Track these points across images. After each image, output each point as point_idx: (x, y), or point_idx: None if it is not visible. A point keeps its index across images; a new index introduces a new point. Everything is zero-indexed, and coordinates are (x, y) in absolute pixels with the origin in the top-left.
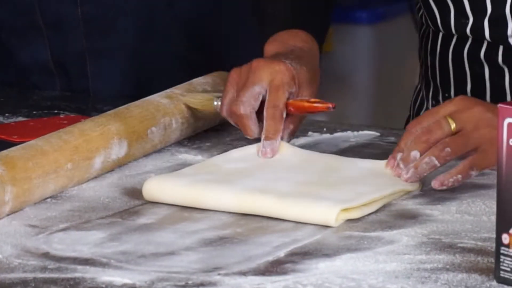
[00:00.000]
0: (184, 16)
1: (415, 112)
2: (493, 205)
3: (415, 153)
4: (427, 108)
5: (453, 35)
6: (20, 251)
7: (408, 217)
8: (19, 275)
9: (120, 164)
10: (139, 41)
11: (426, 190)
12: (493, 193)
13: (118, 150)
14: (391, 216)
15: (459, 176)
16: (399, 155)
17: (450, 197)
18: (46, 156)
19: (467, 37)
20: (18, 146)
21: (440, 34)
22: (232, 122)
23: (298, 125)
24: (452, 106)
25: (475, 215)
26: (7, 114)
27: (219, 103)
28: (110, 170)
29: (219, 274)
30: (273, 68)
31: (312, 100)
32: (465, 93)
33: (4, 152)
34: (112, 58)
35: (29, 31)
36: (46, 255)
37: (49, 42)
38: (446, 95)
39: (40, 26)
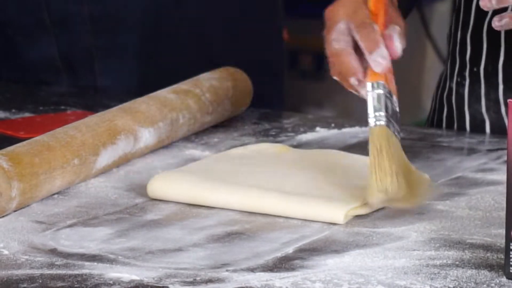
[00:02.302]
0: (192, 14)
1: (439, 97)
2: (502, 201)
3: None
4: (449, 88)
5: None
6: (27, 248)
7: (417, 213)
8: (26, 271)
9: (127, 159)
10: (146, 39)
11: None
12: (502, 188)
13: (125, 146)
14: (400, 212)
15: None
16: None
17: (460, 193)
18: (52, 152)
19: (506, 7)
20: (24, 142)
21: (474, 4)
22: (339, 78)
23: (400, 21)
24: None
25: (484, 211)
26: (13, 110)
27: None
28: (117, 166)
29: (227, 271)
30: (341, 1)
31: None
32: (496, 67)
33: (11, 148)
34: (119, 56)
35: (36, 28)
36: (53, 252)
37: (56, 40)
38: (475, 69)
39: (47, 23)
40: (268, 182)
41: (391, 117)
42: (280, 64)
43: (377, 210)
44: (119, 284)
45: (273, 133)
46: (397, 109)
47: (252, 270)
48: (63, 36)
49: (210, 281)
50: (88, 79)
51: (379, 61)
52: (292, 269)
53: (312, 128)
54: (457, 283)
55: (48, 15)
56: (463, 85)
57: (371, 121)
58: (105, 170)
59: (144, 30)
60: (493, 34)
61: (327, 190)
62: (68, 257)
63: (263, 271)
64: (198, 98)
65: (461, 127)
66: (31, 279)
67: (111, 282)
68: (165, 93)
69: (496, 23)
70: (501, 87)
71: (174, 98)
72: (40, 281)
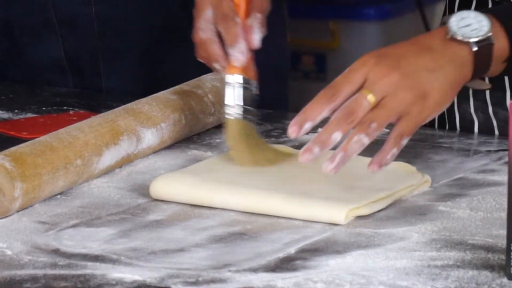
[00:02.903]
0: None
1: None
2: (504, 202)
3: (336, 135)
4: None
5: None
6: (30, 248)
7: (418, 214)
8: (29, 271)
9: (130, 160)
10: (153, 41)
11: (437, 187)
12: (503, 189)
13: (127, 146)
14: (401, 213)
15: (394, 149)
16: (308, 124)
17: (461, 194)
18: (55, 152)
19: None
20: (27, 143)
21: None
22: (205, 62)
23: (262, 6)
24: (363, 74)
25: (485, 211)
26: (16, 111)
27: None
28: (120, 166)
29: (229, 271)
30: None
31: None
32: None
33: (14, 148)
34: (125, 57)
35: (43, 29)
36: (56, 252)
37: (62, 40)
38: None
39: (54, 24)
40: (270, 183)
41: (249, 105)
42: (285, 65)
43: (379, 211)
44: (121, 284)
45: (275, 133)
46: (257, 92)
47: (254, 270)
48: (69, 37)
49: (212, 281)
50: (94, 81)
51: (238, 56)
52: (294, 269)
53: (313, 129)
54: (458, 284)
55: (54, 16)
56: None
57: (228, 113)
58: (108, 171)
59: (150, 32)
60: None
61: (329, 191)
62: (71, 257)
63: (265, 271)
64: (201, 99)
65: (453, 127)
66: (34, 279)
67: (113, 282)
68: (168, 94)
69: (330, 167)
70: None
71: (177, 99)
72: (43, 281)
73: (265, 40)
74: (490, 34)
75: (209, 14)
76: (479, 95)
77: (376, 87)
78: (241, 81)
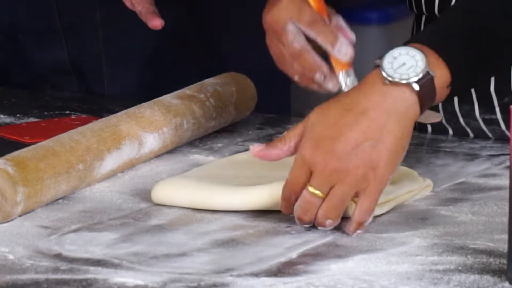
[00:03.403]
0: (201, 22)
1: None
2: (505, 206)
3: (308, 225)
4: None
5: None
6: (32, 252)
7: (420, 218)
8: (31, 276)
9: (131, 165)
10: (156, 46)
11: (438, 191)
12: (505, 194)
13: (129, 151)
14: (403, 217)
15: (365, 223)
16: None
17: (462, 198)
18: (57, 157)
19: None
20: (29, 147)
21: (423, 18)
22: (299, 80)
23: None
24: (306, 167)
25: (487, 216)
26: (18, 115)
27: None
28: (122, 171)
29: (231, 275)
30: (279, 5)
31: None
32: None
33: (16, 153)
34: (128, 62)
35: (47, 33)
36: (58, 256)
37: (66, 45)
38: None
39: (58, 28)
40: (271, 185)
41: None
42: None
43: (381, 215)
44: None
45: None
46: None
47: (256, 275)
48: (74, 42)
49: (214, 286)
50: (97, 85)
51: (345, 50)
52: (296, 274)
53: None
54: None
55: (59, 20)
56: None
57: None
58: (110, 175)
59: (153, 37)
60: None
61: None
62: (73, 262)
63: (267, 276)
64: (203, 103)
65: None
66: (36, 283)
67: (115, 287)
68: (170, 99)
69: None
70: (456, 99)
71: (179, 104)
72: (45, 286)
73: (265, 44)
74: (427, 68)
75: (293, 28)
76: (448, 108)
77: (320, 180)
78: (353, 75)
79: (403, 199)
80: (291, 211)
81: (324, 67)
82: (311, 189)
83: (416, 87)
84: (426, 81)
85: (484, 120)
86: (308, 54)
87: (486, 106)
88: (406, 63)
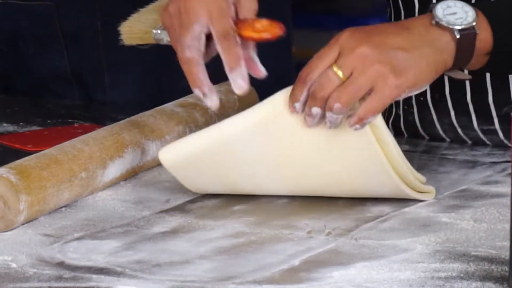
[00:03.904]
0: None
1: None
2: (507, 213)
3: (316, 110)
4: (396, 114)
5: None
6: (35, 261)
7: (422, 225)
8: (34, 284)
9: (134, 173)
10: (157, 53)
11: (440, 198)
12: (507, 201)
13: (132, 159)
14: (405, 224)
15: (357, 126)
16: (297, 105)
17: (464, 205)
18: (60, 165)
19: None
20: (32, 156)
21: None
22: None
23: (250, 8)
24: (337, 47)
25: (489, 223)
26: (21, 123)
27: (158, 31)
28: (125, 179)
29: (233, 283)
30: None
31: (259, 26)
32: (444, 94)
33: (19, 161)
34: (129, 70)
35: (48, 41)
36: (61, 265)
37: (67, 53)
38: (421, 98)
39: (59, 36)
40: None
41: None
42: (289, 76)
43: (382, 222)
44: None
45: None
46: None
47: (258, 282)
48: (74, 49)
49: None
50: (98, 93)
51: (240, 83)
52: (298, 281)
53: None
54: None
55: (59, 28)
56: (412, 113)
57: None
58: (113, 183)
59: (155, 44)
60: None
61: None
62: (76, 270)
63: (269, 283)
64: (205, 111)
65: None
66: None
67: None
68: (172, 107)
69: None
70: (452, 112)
71: (181, 112)
72: None
73: (269, 51)
74: (474, 24)
75: (198, 29)
76: (444, 120)
77: (346, 61)
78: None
79: (400, 170)
80: (299, 95)
81: (205, 86)
82: (335, 68)
83: (457, 34)
84: (468, 35)
85: (482, 131)
86: (193, 66)
87: (485, 117)
88: (457, 14)
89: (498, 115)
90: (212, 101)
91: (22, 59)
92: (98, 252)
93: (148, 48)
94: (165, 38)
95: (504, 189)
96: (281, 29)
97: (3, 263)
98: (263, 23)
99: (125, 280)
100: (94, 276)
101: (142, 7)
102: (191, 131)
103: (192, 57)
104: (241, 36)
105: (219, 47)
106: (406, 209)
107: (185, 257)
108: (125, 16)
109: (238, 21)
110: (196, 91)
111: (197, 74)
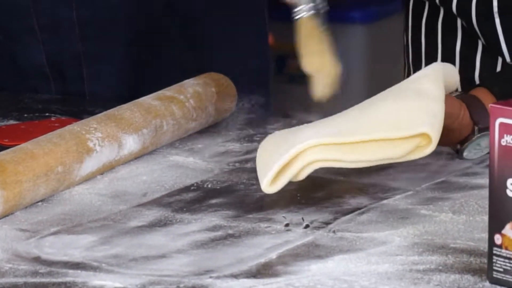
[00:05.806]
0: (181, 21)
1: None
2: (486, 205)
3: None
4: None
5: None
6: (10, 256)
7: (401, 218)
8: (10, 279)
9: (111, 167)
10: (136, 43)
11: (419, 190)
12: (486, 193)
13: (109, 153)
14: (383, 217)
15: None
16: None
17: (443, 197)
18: (36, 160)
19: (438, 7)
20: (8, 150)
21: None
22: None
23: None
24: None
25: (468, 215)
26: None
27: None
28: (101, 173)
29: (210, 277)
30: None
31: None
32: None
33: None
34: (108, 61)
35: (24, 34)
36: (37, 260)
37: (44, 46)
38: None
39: (35, 29)
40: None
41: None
42: (266, 69)
43: (360, 214)
44: None
45: (258, 138)
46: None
47: (235, 276)
48: (51, 42)
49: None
50: (77, 86)
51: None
52: (276, 275)
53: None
54: None
55: (36, 20)
56: None
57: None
58: (89, 178)
59: (133, 36)
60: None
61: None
62: (52, 265)
63: (247, 277)
64: (182, 105)
65: None
66: (15, 287)
67: None
68: (149, 100)
69: None
70: None
71: (158, 105)
72: None
73: (245, 44)
74: None
75: None
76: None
77: None
78: None
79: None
80: None
81: None
82: None
83: None
84: None
85: None
86: None
87: None
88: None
89: None
90: None
91: (1, 53)
92: (75, 246)
93: (126, 38)
94: None
95: (483, 180)
96: None
97: None
98: None
99: (101, 275)
100: (70, 271)
101: None
102: (168, 124)
103: None
104: None
105: None
106: (385, 202)
107: (162, 251)
108: (101, 6)
109: None
110: None
111: None
